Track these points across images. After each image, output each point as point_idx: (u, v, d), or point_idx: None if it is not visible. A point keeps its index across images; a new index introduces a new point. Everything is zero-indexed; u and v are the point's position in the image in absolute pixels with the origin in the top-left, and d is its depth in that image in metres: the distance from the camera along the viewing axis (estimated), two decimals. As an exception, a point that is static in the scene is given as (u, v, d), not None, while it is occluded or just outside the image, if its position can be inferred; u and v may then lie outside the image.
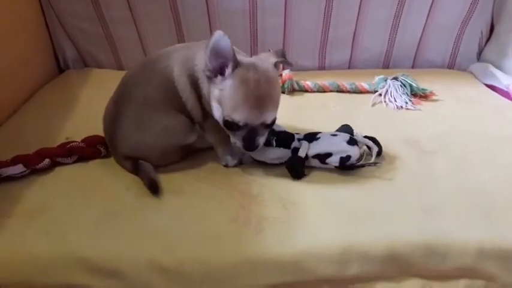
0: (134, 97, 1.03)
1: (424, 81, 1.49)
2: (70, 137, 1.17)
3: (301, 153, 1.02)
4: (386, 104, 1.41)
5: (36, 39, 1.59)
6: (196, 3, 1.54)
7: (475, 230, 0.87)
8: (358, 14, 1.61)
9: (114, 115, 1.05)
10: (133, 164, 1.03)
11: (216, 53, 0.89)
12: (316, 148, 1.03)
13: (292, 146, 1.04)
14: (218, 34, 0.87)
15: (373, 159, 1.03)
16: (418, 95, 1.44)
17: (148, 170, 1.01)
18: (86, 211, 0.92)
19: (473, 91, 1.52)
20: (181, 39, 1.61)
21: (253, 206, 0.93)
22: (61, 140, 1.16)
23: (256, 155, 1.05)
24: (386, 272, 0.85)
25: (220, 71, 0.92)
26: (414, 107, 1.38)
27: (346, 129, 1.10)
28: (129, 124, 1.02)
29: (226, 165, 1.07)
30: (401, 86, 1.44)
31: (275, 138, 1.03)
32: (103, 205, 0.94)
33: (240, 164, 1.07)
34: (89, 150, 1.10)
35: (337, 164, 1.01)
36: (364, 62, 1.72)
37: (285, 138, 1.05)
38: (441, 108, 1.38)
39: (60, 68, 1.70)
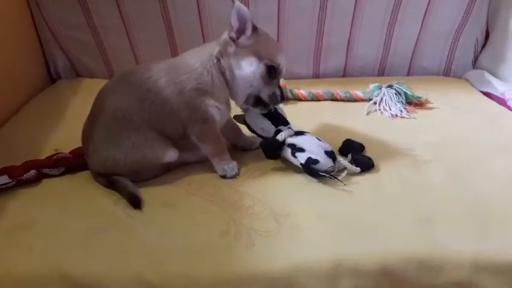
0: (106, 110, 1.00)
1: (419, 89, 1.47)
2: (59, 149, 1.15)
3: (280, 137, 1.05)
4: (381, 113, 1.39)
5: (26, 48, 1.57)
6: (188, 11, 1.53)
7: (471, 242, 0.85)
8: (352, 22, 1.60)
9: (88, 128, 1.03)
10: (108, 180, 1.00)
11: (239, 14, 0.97)
12: (295, 139, 1.06)
13: (278, 127, 1.08)
14: (238, 2, 0.96)
15: (340, 177, 1.01)
16: (413, 103, 1.43)
17: (125, 184, 0.98)
18: (72, 226, 0.90)
19: (469, 98, 1.51)
20: (173, 46, 1.60)
21: (245, 219, 0.90)
22: (50, 151, 1.13)
23: (249, 116, 1.11)
24: (379, 287, 0.82)
25: (242, 32, 0.99)
26: (409, 115, 1.36)
27: (350, 145, 1.12)
28: (99, 138, 1.00)
29: (224, 176, 1.04)
30: (396, 94, 1.43)
31: (272, 111, 1.09)
32: (90, 219, 0.91)
33: (237, 174, 1.05)
34: (77, 161, 1.08)
35: (302, 161, 1.01)
36: (359, 69, 1.70)
37: (278, 118, 1.11)
38: (436, 116, 1.36)
39: (52, 78, 1.69)
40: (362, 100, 1.47)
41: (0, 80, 1.36)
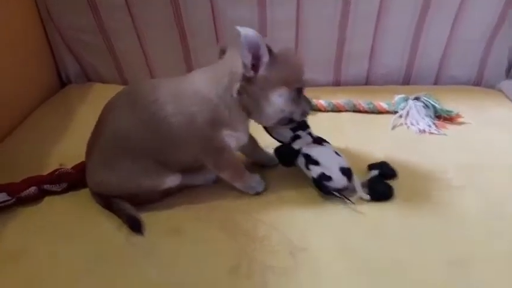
0: (108, 126, 0.92)
1: (448, 100, 1.37)
2: (64, 163, 1.09)
3: (296, 145, 0.99)
4: (408, 127, 1.29)
5: (36, 53, 1.51)
6: (201, 13, 1.44)
7: (512, 287, 0.75)
8: (376, 27, 1.49)
9: (91, 141, 0.96)
10: (106, 201, 0.94)
11: (249, 44, 0.83)
12: (311, 150, 0.98)
13: (296, 132, 1.01)
14: (244, 30, 0.82)
15: (353, 199, 0.94)
16: (442, 116, 1.32)
17: (123, 206, 0.91)
18: (70, 255, 0.84)
19: (504, 112, 1.38)
20: (186, 50, 1.51)
21: (258, 252, 0.82)
22: (55, 166, 1.07)
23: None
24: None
25: (258, 60, 0.86)
26: (438, 131, 1.26)
27: (382, 167, 1.03)
28: (97, 157, 0.93)
29: (258, 193, 0.99)
30: (423, 107, 1.32)
31: None
32: (90, 248, 0.85)
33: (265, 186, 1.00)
34: (79, 177, 1.01)
35: (315, 176, 0.95)
36: (383, 77, 1.60)
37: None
38: (469, 133, 1.25)
39: (63, 83, 1.63)
40: (387, 112, 1.36)
41: (11, 85, 1.32)
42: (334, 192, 0.93)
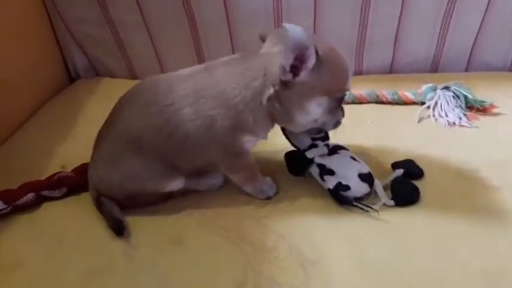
0: (118, 123, 0.86)
1: (481, 88, 1.24)
2: (65, 166, 1.04)
3: (310, 154, 0.90)
4: (436, 119, 1.18)
5: (43, 48, 1.47)
6: (213, 3, 1.35)
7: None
8: (402, 9, 1.38)
9: (101, 133, 0.91)
10: (97, 198, 0.88)
11: (296, 43, 0.71)
12: (326, 159, 0.90)
13: (313, 142, 0.91)
14: (290, 26, 0.70)
15: (376, 207, 0.84)
16: (474, 107, 1.20)
17: (111, 209, 0.86)
18: (67, 266, 0.78)
19: (544, 101, 1.25)
20: (197, 43, 1.44)
21: (266, 265, 0.74)
22: (57, 168, 1.02)
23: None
24: None
25: (302, 62, 0.74)
26: (470, 124, 1.14)
27: (408, 166, 0.93)
28: (103, 152, 0.88)
29: (268, 198, 0.91)
30: (453, 97, 1.20)
31: None
32: (85, 260, 0.79)
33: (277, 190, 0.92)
34: (80, 180, 0.95)
35: (331, 187, 0.86)
36: (408, 65, 1.48)
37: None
38: (504, 126, 1.12)
39: (72, 78, 1.58)
40: (413, 103, 1.25)
41: (19, 81, 1.28)
42: (355, 203, 0.84)
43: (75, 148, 1.12)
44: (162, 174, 0.86)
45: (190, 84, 0.83)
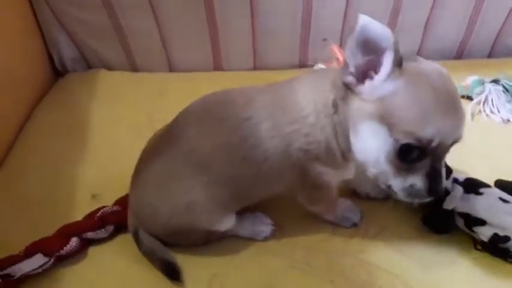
0: (180, 142, 0.72)
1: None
2: (97, 193, 0.86)
3: (448, 205, 0.75)
4: (487, 115, 1.11)
5: (20, 36, 1.19)
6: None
7: None
8: (435, -5, 1.28)
9: (152, 145, 0.77)
10: (135, 232, 0.75)
11: (365, 43, 0.58)
12: (468, 206, 0.75)
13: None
14: (363, 18, 0.57)
15: None
16: (522, 102, 1.14)
17: (156, 247, 0.75)
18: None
19: None
20: (214, 33, 1.25)
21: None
22: (84, 196, 0.85)
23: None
24: None
25: (367, 73, 0.61)
26: (526, 121, 1.09)
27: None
28: (154, 172, 0.73)
29: (354, 225, 0.80)
30: (503, 91, 1.14)
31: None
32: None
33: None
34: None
35: (485, 240, 0.73)
36: (437, 52, 1.40)
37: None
38: None
39: (57, 71, 1.33)
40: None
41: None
42: None
43: (97, 168, 0.94)
44: (222, 207, 0.73)
45: (268, 96, 0.71)
